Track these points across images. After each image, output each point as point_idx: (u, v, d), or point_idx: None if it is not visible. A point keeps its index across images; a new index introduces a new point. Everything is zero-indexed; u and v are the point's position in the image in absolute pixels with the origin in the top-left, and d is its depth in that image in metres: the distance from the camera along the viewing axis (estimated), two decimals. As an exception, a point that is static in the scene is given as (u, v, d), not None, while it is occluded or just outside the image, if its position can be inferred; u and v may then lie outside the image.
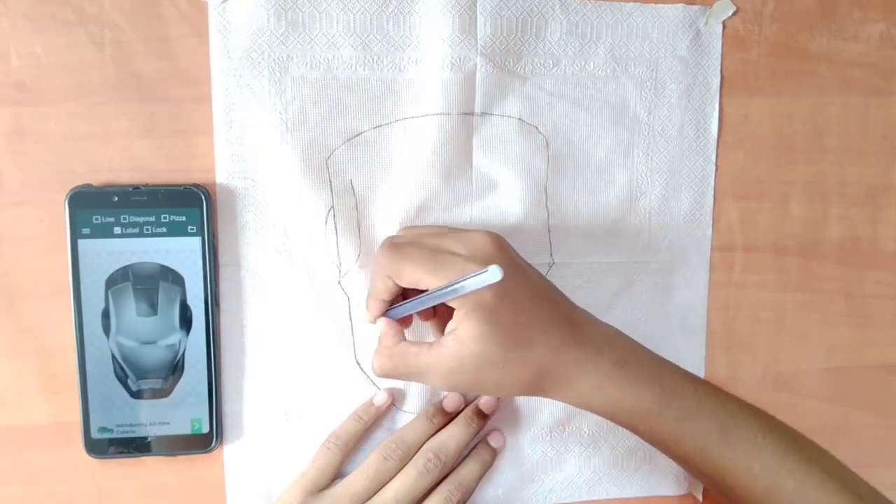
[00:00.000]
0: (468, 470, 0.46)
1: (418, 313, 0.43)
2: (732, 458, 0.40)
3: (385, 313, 0.42)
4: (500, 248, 0.40)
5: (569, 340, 0.39)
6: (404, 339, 0.41)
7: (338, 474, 0.46)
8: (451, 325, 0.39)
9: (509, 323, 0.38)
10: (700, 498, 0.52)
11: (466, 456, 0.47)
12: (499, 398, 0.48)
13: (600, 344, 0.40)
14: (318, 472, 0.45)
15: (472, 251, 0.39)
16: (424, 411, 0.47)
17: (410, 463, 0.45)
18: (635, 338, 0.42)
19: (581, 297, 0.48)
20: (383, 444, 0.45)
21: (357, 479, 0.44)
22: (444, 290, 0.37)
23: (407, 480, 0.44)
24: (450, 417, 0.47)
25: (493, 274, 0.35)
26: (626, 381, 0.40)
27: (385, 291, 0.41)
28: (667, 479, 0.51)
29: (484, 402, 0.48)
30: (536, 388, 0.40)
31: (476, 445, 0.48)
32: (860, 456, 0.55)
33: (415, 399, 0.48)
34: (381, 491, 0.44)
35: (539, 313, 0.39)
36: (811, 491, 0.40)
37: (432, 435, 0.46)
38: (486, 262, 0.37)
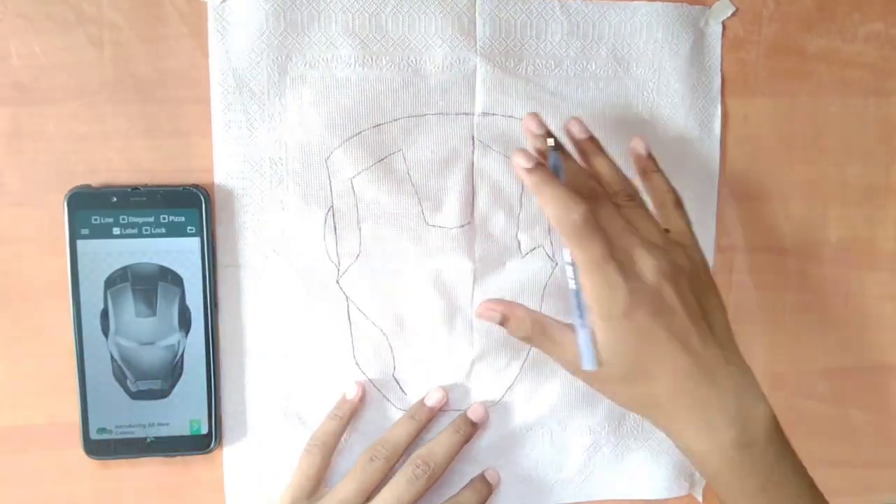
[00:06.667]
0: (464, 498, 0.47)
1: None
2: None
3: None
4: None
5: (689, 390, 0.38)
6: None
7: (324, 476, 0.45)
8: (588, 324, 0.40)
9: (631, 350, 0.38)
10: (700, 499, 0.52)
11: (464, 487, 0.47)
12: (486, 408, 0.48)
13: (724, 411, 0.38)
14: (302, 476, 0.45)
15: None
16: (408, 410, 0.47)
17: (399, 471, 0.44)
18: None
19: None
20: (369, 446, 0.45)
21: (345, 483, 0.44)
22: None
23: (397, 488, 0.44)
24: (433, 413, 0.47)
25: None
26: (739, 465, 0.38)
27: None
28: (668, 480, 0.51)
29: (472, 410, 0.48)
30: (650, 417, 0.41)
31: (474, 479, 0.48)
32: (860, 456, 0.55)
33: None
34: (371, 501, 0.43)
35: (667, 347, 0.38)
36: None
37: (417, 433, 0.46)
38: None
